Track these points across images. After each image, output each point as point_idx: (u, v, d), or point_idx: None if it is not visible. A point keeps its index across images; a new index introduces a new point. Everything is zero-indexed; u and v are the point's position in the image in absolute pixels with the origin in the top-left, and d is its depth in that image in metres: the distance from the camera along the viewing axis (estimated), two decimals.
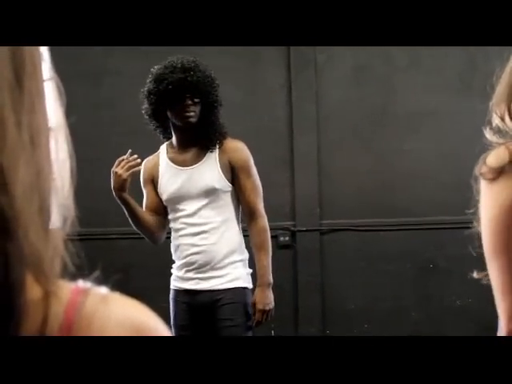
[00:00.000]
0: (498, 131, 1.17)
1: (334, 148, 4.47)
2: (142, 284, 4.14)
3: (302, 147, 4.45)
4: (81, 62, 4.38)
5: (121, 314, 0.54)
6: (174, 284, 3.01)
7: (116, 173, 2.83)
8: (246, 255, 2.98)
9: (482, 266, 1.20)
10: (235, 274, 2.91)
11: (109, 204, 4.43)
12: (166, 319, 0.62)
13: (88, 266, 0.60)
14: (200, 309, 2.88)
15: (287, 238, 4.39)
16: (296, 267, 4.45)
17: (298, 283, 4.46)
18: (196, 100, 2.86)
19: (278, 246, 4.28)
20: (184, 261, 2.94)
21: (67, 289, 0.54)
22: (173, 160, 2.99)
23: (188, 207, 2.93)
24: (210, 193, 2.90)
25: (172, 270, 3.05)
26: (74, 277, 0.55)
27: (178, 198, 2.93)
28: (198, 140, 2.94)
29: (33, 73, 0.54)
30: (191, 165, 2.95)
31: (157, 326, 0.56)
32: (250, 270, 2.98)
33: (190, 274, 2.93)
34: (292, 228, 4.41)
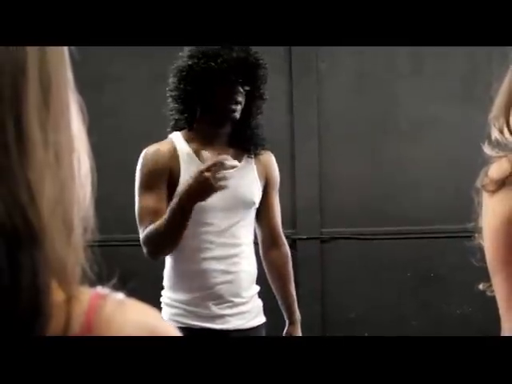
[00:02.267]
0: (498, 144, 1.17)
1: (335, 155, 4.47)
2: (140, 291, 4.14)
3: (302, 154, 4.45)
4: (82, 68, 4.38)
5: (136, 318, 0.59)
6: (184, 321, 2.31)
7: (207, 179, 2.07)
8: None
9: (484, 276, 1.19)
10: (257, 308, 2.46)
11: (109, 210, 4.44)
12: None
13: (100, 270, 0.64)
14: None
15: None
16: (296, 275, 4.43)
17: (298, 291, 4.44)
18: (247, 88, 2.31)
19: None
20: (209, 292, 2.30)
21: (87, 294, 0.59)
22: (200, 156, 2.25)
23: (217, 221, 2.29)
24: (248, 207, 2.37)
25: (168, 301, 2.37)
26: (91, 282, 0.60)
27: (205, 208, 2.21)
28: (234, 140, 2.38)
29: (58, 93, 0.58)
30: None
31: (169, 330, 0.62)
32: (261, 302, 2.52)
33: (216, 310, 2.32)
34: (292, 236, 4.40)
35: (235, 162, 2.13)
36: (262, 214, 2.48)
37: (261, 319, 2.46)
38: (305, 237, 4.42)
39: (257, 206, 2.41)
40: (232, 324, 2.33)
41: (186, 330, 2.25)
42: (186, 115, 2.38)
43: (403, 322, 4.41)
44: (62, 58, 0.61)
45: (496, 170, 1.13)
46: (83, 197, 0.61)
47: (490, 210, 1.14)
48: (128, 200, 4.54)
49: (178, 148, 2.34)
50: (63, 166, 0.57)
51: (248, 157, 2.41)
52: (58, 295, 0.55)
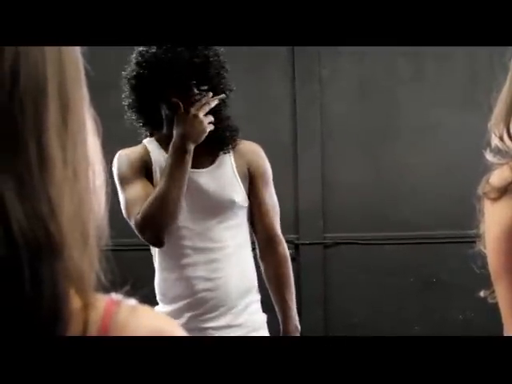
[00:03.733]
0: (498, 152, 1.17)
1: (337, 161, 4.47)
2: (144, 295, 4.14)
3: (305, 160, 4.45)
4: (87, 73, 4.39)
5: (149, 323, 0.62)
6: None
7: (197, 117, 2.03)
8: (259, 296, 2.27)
9: (485, 282, 1.20)
10: (254, 322, 2.18)
11: (113, 214, 4.44)
12: None
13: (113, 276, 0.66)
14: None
15: (290, 251, 4.36)
16: (299, 280, 4.44)
17: (301, 296, 4.44)
18: (203, 88, 2.13)
19: None
20: (188, 301, 2.12)
21: (102, 300, 0.61)
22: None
23: (194, 225, 2.13)
24: (227, 207, 2.16)
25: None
26: (107, 289, 0.63)
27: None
28: (206, 138, 2.15)
29: (75, 111, 0.60)
30: (201, 167, 2.19)
31: (181, 335, 0.64)
32: (265, 316, 2.27)
33: (196, 323, 2.10)
34: (295, 241, 4.41)
35: (222, 95, 2.07)
36: (253, 211, 2.23)
37: (259, 335, 2.16)
38: (307, 242, 4.42)
39: (242, 204, 2.19)
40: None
41: None
42: (150, 125, 2.26)
43: (405, 326, 4.41)
44: (78, 75, 0.63)
45: (497, 178, 1.13)
46: (98, 207, 0.64)
47: (492, 217, 1.14)
48: None
49: (151, 152, 2.22)
50: (80, 180, 0.60)
51: (223, 153, 2.21)
52: (75, 302, 0.58)
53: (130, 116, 2.27)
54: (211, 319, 2.11)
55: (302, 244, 4.43)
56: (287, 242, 2.44)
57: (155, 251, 2.21)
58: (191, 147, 2.07)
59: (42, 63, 0.58)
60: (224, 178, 2.19)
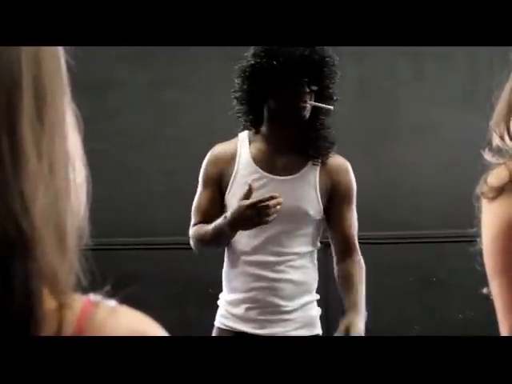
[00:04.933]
0: (498, 151, 1.18)
1: None
2: (143, 294, 4.14)
3: None
4: (83, 73, 4.39)
5: (128, 325, 0.59)
6: (224, 323, 2.34)
7: (250, 215, 2.07)
8: (318, 296, 2.44)
9: (486, 280, 1.20)
10: (307, 318, 2.35)
11: (110, 214, 4.44)
12: (168, 330, 0.63)
13: (90, 276, 0.64)
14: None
15: None
16: None
17: None
18: (313, 88, 2.20)
19: None
20: (246, 295, 2.29)
21: (80, 301, 0.59)
22: (257, 161, 2.27)
23: (264, 228, 2.17)
24: (299, 218, 2.26)
25: (220, 302, 2.40)
26: (85, 289, 0.60)
27: None
28: (299, 144, 2.27)
29: (53, 104, 0.58)
30: (283, 174, 2.27)
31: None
32: (320, 311, 2.44)
33: (253, 314, 2.28)
34: None
35: (280, 200, 2.05)
36: (332, 224, 2.35)
37: (311, 330, 2.34)
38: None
39: (316, 217, 2.29)
40: (269, 330, 2.27)
41: (222, 330, 2.32)
42: (251, 117, 2.31)
43: (405, 326, 4.41)
44: (57, 68, 0.60)
45: (495, 178, 1.14)
46: (78, 206, 0.61)
47: (488, 216, 1.15)
48: (128, 203, 4.55)
49: (239, 151, 2.31)
50: (57, 177, 0.57)
51: (313, 164, 2.29)
52: (50, 303, 0.56)
53: (237, 110, 2.34)
54: (265, 313, 2.27)
55: None
56: None
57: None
58: (236, 233, 2.18)
59: (17, 56, 0.56)
60: (304, 189, 2.27)
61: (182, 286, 4.39)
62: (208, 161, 2.36)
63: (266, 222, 2.07)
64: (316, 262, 2.42)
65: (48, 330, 0.55)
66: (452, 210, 4.25)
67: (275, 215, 2.05)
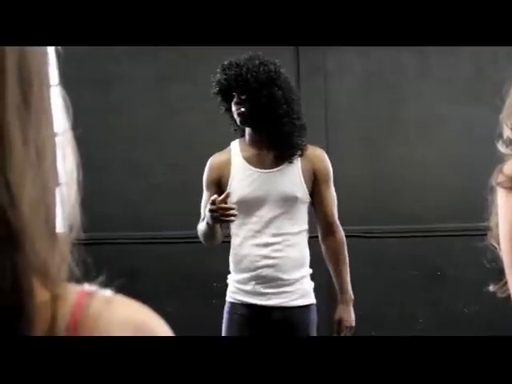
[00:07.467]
0: (511, 143, 1.17)
1: (342, 155, 4.46)
2: (148, 288, 4.15)
3: None
4: (89, 67, 4.40)
5: (123, 315, 0.57)
6: (236, 297, 2.76)
7: (215, 216, 2.51)
8: (311, 270, 2.84)
9: (493, 275, 1.19)
10: (305, 289, 2.78)
11: (115, 208, 4.45)
12: (173, 324, 0.62)
13: (95, 270, 0.63)
14: (267, 325, 2.69)
15: None
16: None
17: None
18: (243, 97, 2.64)
19: None
20: (253, 273, 2.70)
21: (74, 292, 0.57)
22: (249, 160, 2.74)
23: (262, 214, 2.69)
24: (290, 201, 2.70)
25: (229, 281, 2.82)
26: (80, 280, 0.58)
27: (252, 203, 2.69)
28: (276, 142, 2.72)
29: (39, 90, 0.56)
30: (271, 168, 2.73)
31: (158, 327, 0.59)
32: (313, 284, 2.84)
33: (260, 289, 2.71)
34: None
35: (232, 211, 2.48)
36: (316, 205, 2.79)
37: (307, 300, 2.77)
38: (313, 235, 4.41)
39: (304, 199, 2.73)
40: (274, 301, 2.70)
41: (234, 304, 2.74)
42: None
43: (410, 319, 4.41)
44: (43, 55, 0.58)
45: (511, 167, 1.13)
46: (68, 193, 0.59)
47: (507, 207, 1.13)
48: (133, 197, 4.55)
49: (233, 156, 2.76)
50: (45, 165, 0.55)
51: (290, 160, 2.71)
52: (43, 295, 0.54)
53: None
54: (271, 287, 2.69)
55: (309, 237, 4.42)
56: None
57: (231, 231, 2.78)
58: (216, 225, 2.59)
59: None
60: (291, 177, 2.72)
61: (187, 280, 4.40)
62: (208, 167, 2.81)
63: (224, 221, 2.53)
64: (307, 240, 2.81)
65: (41, 322, 0.53)
66: (457, 204, 4.25)
67: (232, 218, 2.50)
